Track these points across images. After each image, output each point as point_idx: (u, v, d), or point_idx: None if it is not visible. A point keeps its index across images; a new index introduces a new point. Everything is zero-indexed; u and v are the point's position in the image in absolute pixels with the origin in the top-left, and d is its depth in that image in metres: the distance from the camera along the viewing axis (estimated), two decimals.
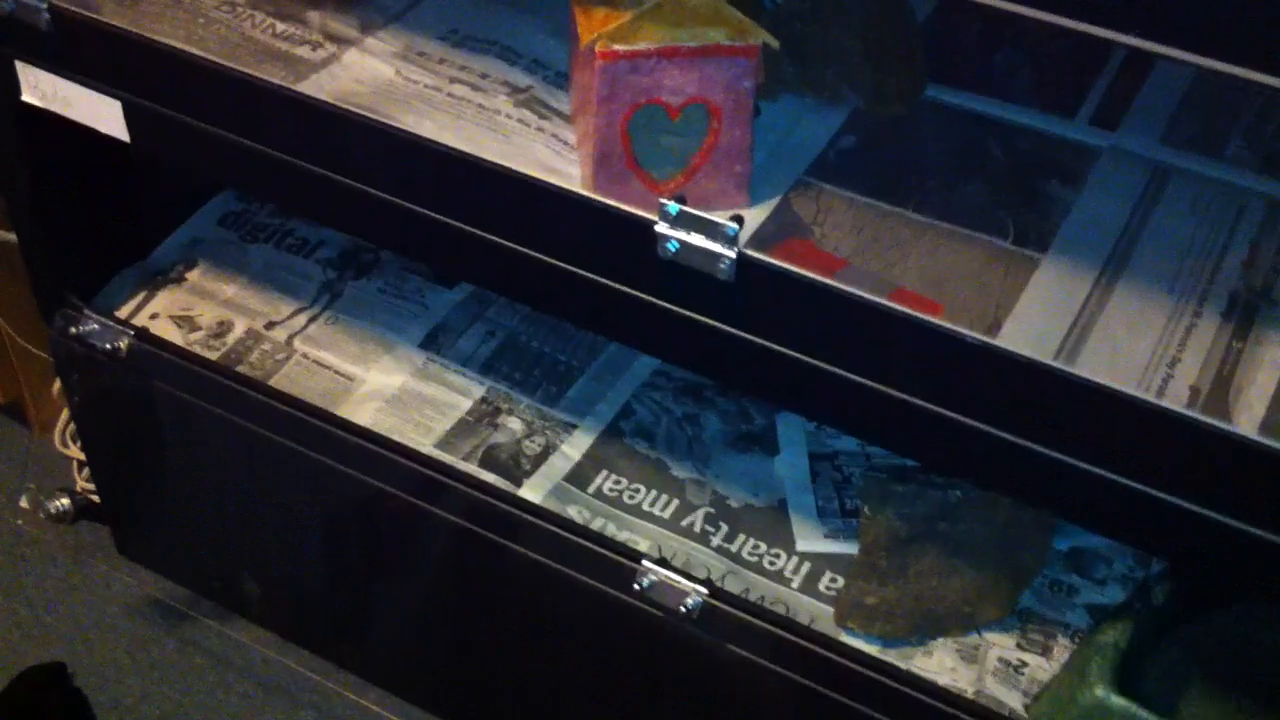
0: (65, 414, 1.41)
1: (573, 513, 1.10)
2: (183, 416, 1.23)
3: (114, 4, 1.04)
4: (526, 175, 0.87)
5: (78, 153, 1.17)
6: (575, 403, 1.19)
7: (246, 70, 0.94)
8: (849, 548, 1.08)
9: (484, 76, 1.00)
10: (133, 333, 1.19)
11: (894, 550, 1.01)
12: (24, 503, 1.41)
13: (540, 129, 0.96)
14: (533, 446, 1.15)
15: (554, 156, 0.94)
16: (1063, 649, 1.01)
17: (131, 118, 1.03)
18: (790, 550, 1.09)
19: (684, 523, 1.11)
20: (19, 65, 1.05)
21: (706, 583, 1.01)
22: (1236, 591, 0.95)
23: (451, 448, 1.15)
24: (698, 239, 0.82)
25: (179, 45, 0.97)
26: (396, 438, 1.13)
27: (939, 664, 1.01)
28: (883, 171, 0.94)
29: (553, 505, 1.10)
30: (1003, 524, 1.00)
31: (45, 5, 0.99)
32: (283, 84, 0.94)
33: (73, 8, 1.00)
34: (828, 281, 0.80)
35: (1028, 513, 1.01)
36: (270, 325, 1.24)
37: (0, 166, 1.17)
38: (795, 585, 1.07)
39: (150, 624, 1.47)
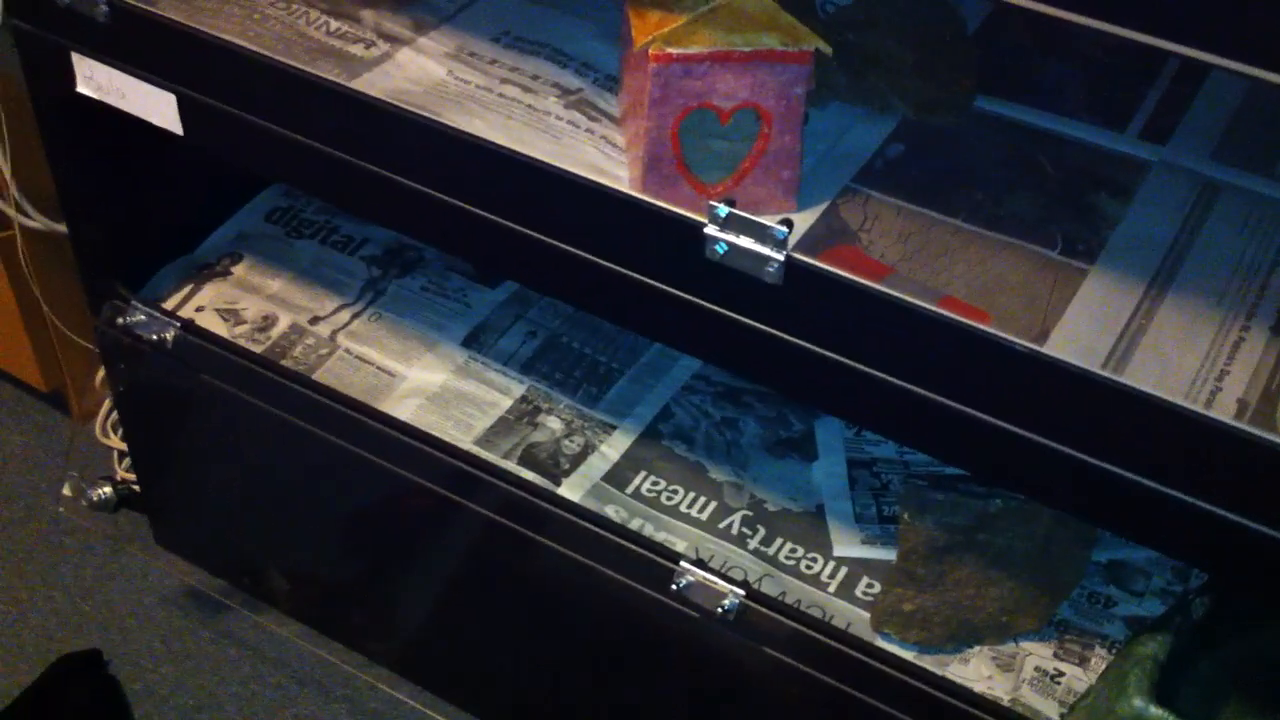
0: (107, 403, 1.42)
1: (610, 512, 1.11)
2: (225, 408, 1.24)
3: None
4: (576, 175, 0.88)
5: (128, 144, 1.18)
6: (615, 404, 1.20)
7: (301, 66, 0.95)
8: (886, 554, 1.08)
9: (534, 78, 1.01)
10: (179, 324, 1.20)
11: (932, 558, 1.01)
12: (67, 490, 1.42)
13: (590, 131, 0.97)
14: (572, 446, 1.16)
15: (603, 158, 0.95)
16: (1100, 660, 1.01)
17: (185, 111, 1.04)
18: (827, 555, 1.09)
19: (721, 525, 1.11)
20: (75, 56, 1.07)
21: (744, 584, 1.02)
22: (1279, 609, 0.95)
23: (491, 445, 1.16)
24: (746, 241, 0.82)
25: (235, 40, 0.98)
26: (437, 434, 1.14)
27: (975, 671, 1.01)
28: (931, 180, 0.94)
29: (591, 504, 1.11)
30: (1043, 535, 1.00)
31: None
32: (336, 81, 0.95)
33: (130, 1, 1.01)
34: (876, 286, 0.80)
35: (1067, 524, 1.01)
36: (314, 320, 1.26)
37: (53, 157, 1.18)
38: (832, 590, 1.07)
39: (186, 614, 1.48)
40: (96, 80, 1.07)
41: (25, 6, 1.06)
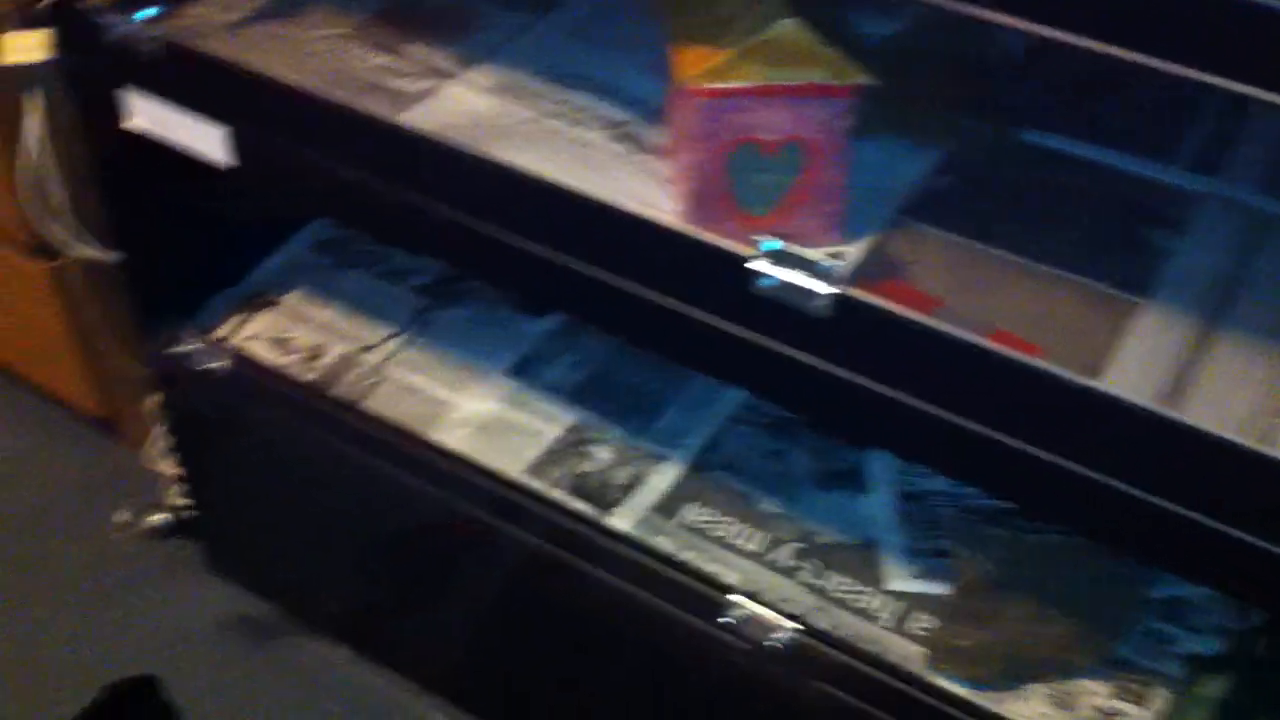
0: (157, 430, 1.43)
1: (661, 543, 1.10)
2: (276, 436, 1.25)
3: (218, 34, 1.06)
4: (624, 208, 0.87)
5: (180, 176, 1.19)
6: (663, 434, 1.19)
7: (348, 102, 0.96)
8: (938, 588, 1.07)
9: (580, 111, 1.01)
10: (231, 353, 1.21)
11: (989, 594, 1.00)
12: (122, 516, 1.43)
13: (636, 163, 0.97)
14: (621, 476, 1.16)
15: (649, 191, 0.95)
16: (1158, 699, 0.99)
17: (234, 145, 1.04)
18: (878, 589, 1.08)
19: (772, 557, 1.10)
20: (124, 92, 1.08)
21: (796, 618, 1.01)
22: None
23: (540, 474, 1.15)
24: (795, 275, 0.82)
25: (284, 76, 0.98)
26: (486, 463, 1.14)
27: (1032, 709, 0.99)
28: (977, 212, 0.93)
29: (641, 535, 1.10)
30: (1100, 571, 0.99)
31: (150, 34, 1.01)
32: (384, 115, 0.96)
33: (178, 38, 1.02)
34: (926, 320, 0.79)
35: (1126, 561, 0.99)
36: (364, 350, 1.26)
37: (106, 190, 1.20)
38: (883, 624, 1.05)
39: (239, 640, 1.49)
40: (146, 115, 1.07)
41: (75, 42, 1.07)
